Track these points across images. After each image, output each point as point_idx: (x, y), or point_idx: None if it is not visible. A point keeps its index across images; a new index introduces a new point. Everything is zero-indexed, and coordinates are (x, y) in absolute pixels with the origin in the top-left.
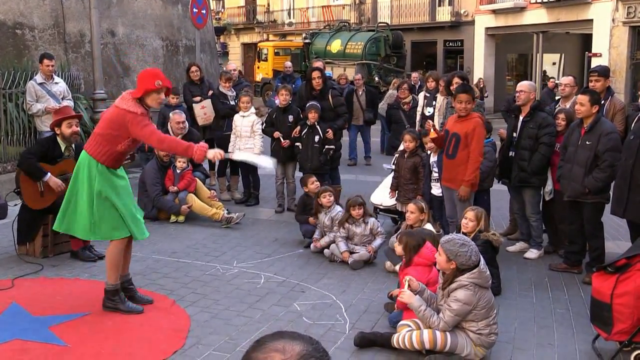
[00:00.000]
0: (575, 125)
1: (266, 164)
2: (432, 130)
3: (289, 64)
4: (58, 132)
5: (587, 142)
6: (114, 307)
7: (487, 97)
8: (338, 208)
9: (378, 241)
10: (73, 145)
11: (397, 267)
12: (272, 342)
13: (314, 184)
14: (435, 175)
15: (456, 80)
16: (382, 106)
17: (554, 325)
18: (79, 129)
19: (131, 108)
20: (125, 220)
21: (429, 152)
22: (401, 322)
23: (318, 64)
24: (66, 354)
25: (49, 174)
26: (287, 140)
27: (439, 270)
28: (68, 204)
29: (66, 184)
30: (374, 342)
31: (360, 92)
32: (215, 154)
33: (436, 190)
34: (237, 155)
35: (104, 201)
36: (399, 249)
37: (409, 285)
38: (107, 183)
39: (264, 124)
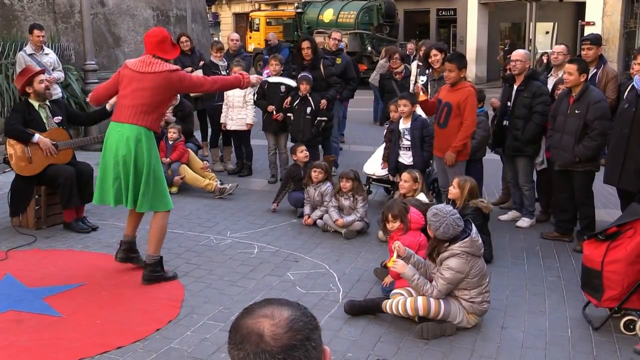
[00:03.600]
0: (564, 94)
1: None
2: (421, 93)
3: (272, 35)
4: (30, 90)
5: (576, 111)
6: (157, 279)
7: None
8: (328, 183)
9: (357, 214)
10: (48, 103)
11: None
12: (260, 308)
13: (302, 152)
14: (406, 143)
15: (434, 52)
16: (375, 77)
17: (545, 293)
18: (49, 84)
19: (171, 67)
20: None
21: (400, 116)
22: (394, 291)
23: (336, 34)
24: (61, 325)
25: (37, 135)
26: (280, 114)
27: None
28: (123, 180)
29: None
30: (365, 309)
31: None
32: (257, 79)
33: (406, 159)
34: (273, 79)
35: (156, 171)
36: (396, 225)
37: (397, 253)
38: (156, 151)
39: (256, 95)
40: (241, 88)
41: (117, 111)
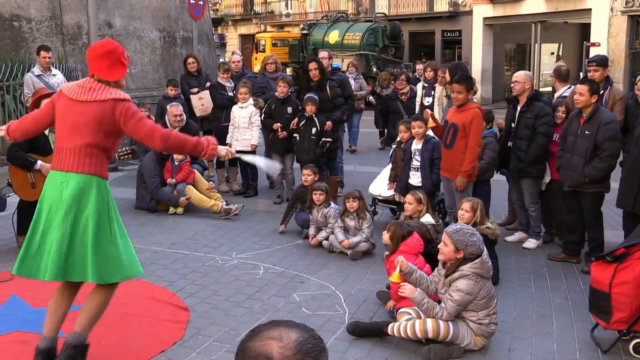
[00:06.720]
0: (575, 115)
1: (273, 170)
2: (430, 119)
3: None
4: None
5: (586, 132)
6: None
7: None
8: (331, 205)
9: (363, 235)
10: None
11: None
12: (267, 330)
13: (308, 175)
14: (415, 163)
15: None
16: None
17: (552, 315)
18: None
19: (119, 95)
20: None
21: (412, 136)
22: (401, 310)
23: (323, 54)
24: None
25: (39, 162)
26: (284, 132)
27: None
28: (68, 242)
29: None
30: (369, 332)
31: None
32: (227, 152)
33: (415, 180)
34: (247, 157)
35: (113, 229)
36: (386, 236)
37: (400, 268)
38: (113, 203)
39: (263, 115)
40: (201, 157)
41: (57, 156)
